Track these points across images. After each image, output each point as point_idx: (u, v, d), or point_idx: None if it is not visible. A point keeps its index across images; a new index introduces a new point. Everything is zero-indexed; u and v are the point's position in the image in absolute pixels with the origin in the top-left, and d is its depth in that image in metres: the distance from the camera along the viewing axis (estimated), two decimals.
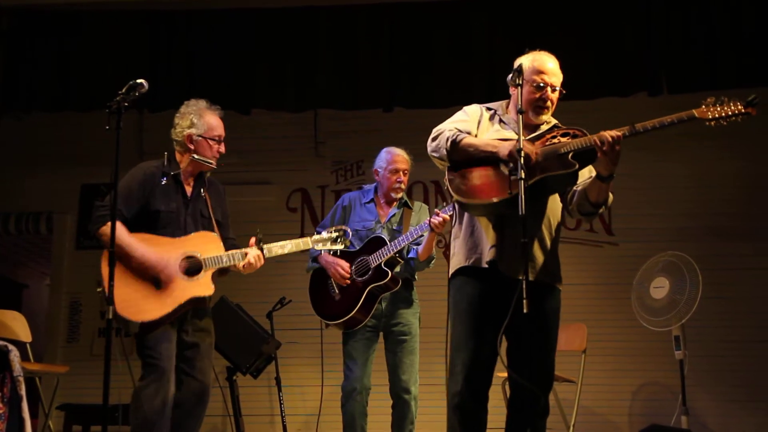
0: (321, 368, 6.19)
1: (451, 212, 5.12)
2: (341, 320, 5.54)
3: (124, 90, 4.17)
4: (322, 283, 5.70)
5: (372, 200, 5.81)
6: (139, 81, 4.18)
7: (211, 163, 4.79)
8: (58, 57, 7.45)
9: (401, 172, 5.73)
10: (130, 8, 7.51)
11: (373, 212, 5.77)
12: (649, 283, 6.73)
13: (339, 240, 5.07)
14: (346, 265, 5.58)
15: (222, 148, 4.82)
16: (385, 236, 5.60)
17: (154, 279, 4.55)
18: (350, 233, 5.17)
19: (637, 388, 7.54)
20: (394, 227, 5.72)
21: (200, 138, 4.75)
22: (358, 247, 5.66)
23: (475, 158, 3.89)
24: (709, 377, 7.28)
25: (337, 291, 5.61)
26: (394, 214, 5.77)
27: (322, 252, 5.65)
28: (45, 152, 8.38)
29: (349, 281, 5.56)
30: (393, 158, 5.74)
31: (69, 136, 8.24)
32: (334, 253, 5.65)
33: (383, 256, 5.51)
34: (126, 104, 4.17)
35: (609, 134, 3.69)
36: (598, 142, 3.69)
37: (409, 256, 5.65)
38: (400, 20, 7.36)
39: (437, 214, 5.20)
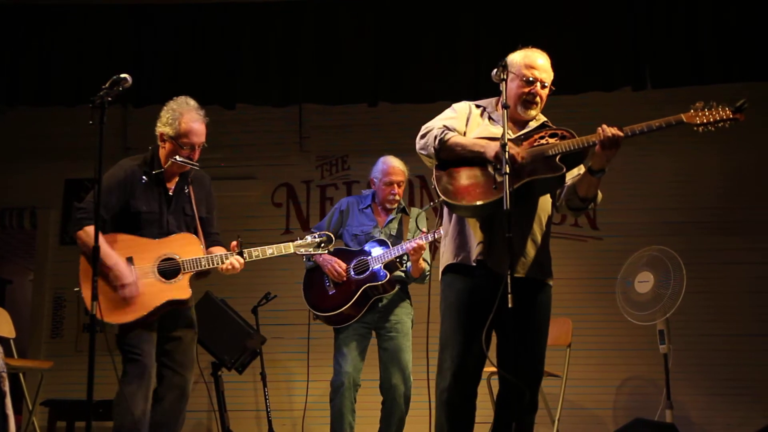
0: (307, 363, 6.17)
1: (429, 240, 5.38)
2: (330, 314, 5.55)
3: (107, 84, 4.13)
4: (317, 277, 5.70)
5: (369, 206, 5.83)
6: (122, 76, 4.13)
7: (193, 165, 4.75)
8: (41, 51, 7.40)
9: (395, 185, 5.75)
10: (114, 2, 7.47)
11: (371, 218, 5.80)
12: (634, 277, 6.75)
13: (322, 245, 5.00)
14: (342, 264, 5.59)
15: (195, 155, 4.74)
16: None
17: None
18: (333, 239, 5.14)
19: (621, 382, 7.57)
20: (392, 233, 5.75)
21: (171, 140, 4.70)
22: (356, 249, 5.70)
23: (462, 158, 3.87)
24: (693, 371, 7.30)
25: (332, 285, 5.61)
26: (391, 220, 5.81)
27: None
28: (28, 147, 8.32)
29: (345, 278, 5.57)
30: (388, 170, 5.76)
31: (53, 131, 8.21)
32: (334, 252, 5.66)
33: (384, 258, 5.53)
34: (110, 99, 4.12)
35: (610, 131, 3.69)
36: (600, 137, 3.68)
37: (407, 269, 5.68)
38: (384, 14, 7.35)
39: (422, 236, 5.42)
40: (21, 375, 6.86)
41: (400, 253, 5.49)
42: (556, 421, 6.59)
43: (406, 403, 5.55)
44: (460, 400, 3.93)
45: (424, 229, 5.54)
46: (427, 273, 5.63)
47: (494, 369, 4.02)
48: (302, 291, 5.78)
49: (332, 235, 5.10)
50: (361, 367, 5.61)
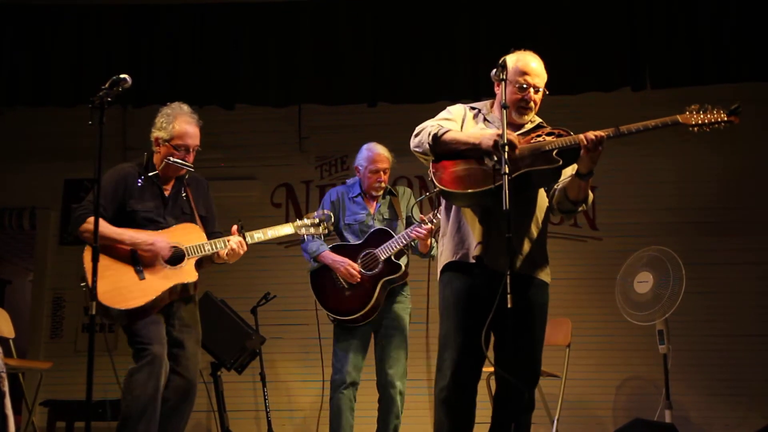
0: (321, 363, 6.12)
1: (430, 226, 5.29)
2: (358, 315, 5.49)
3: (107, 85, 4.13)
4: (327, 279, 5.63)
5: (359, 194, 5.80)
6: (122, 76, 4.13)
7: (187, 166, 4.77)
8: (40, 51, 7.40)
9: (381, 172, 5.71)
10: (113, 2, 7.47)
11: (363, 206, 5.76)
12: (633, 277, 6.74)
13: (321, 224, 5.02)
14: (355, 264, 5.54)
15: (190, 158, 4.78)
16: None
17: (137, 268, 4.58)
18: (332, 217, 5.13)
19: (620, 382, 7.56)
20: (385, 217, 5.72)
21: (166, 143, 4.74)
22: (353, 241, 5.66)
23: (458, 152, 3.90)
24: (692, 371, 7.29)
25: (345, 286, 5.56)
26: (381, 205, 5.77)
27: (323, 251, 5.63)
28: (28, 147, 8.32)
29: (360, 279, 5.54)
30: (373, 157, 5.72)
31: (52, 131, 8.20)
32: (335, 250, 5.64)
33: (392, 248, 5.50)
34: (109, 99, 4.13)
35: (593, 134, 3.70)
36: (583, 141, 3.70)
37: (415, 244, 5.62)
38: (383, 14, 7.35)
39: (423, 222, 5.35)
40: (20, 375, 6.86)
41: (407, 240, 5.47)
42: (556, 422, 6.58)
43: (402, 398, 5.54)
44: (459, 399, 3.93)
45: (418, 218, 5.50)
46: (434, 246, 5.54)
47: (493, 369, 4.02)
48: (314, 296, 5.69)
49: (331, 213, 5.13)
50: (362, 365, 5.59)
